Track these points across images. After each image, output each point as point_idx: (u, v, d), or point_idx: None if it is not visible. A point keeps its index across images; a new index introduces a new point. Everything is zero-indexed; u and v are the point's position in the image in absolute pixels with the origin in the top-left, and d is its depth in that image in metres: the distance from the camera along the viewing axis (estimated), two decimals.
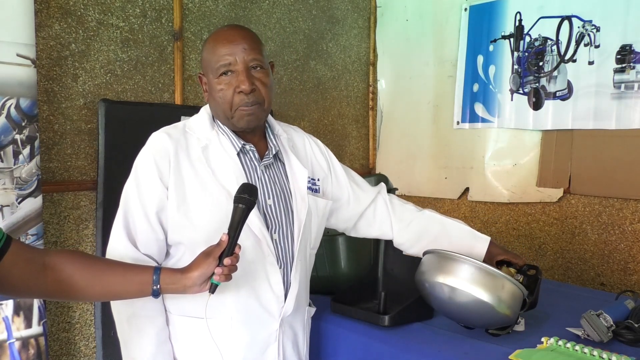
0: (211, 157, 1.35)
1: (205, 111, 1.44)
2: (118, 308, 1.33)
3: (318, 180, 1.53)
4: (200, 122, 1.41)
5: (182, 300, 1.33)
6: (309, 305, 1.55)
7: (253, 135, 1.42)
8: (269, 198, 1.38)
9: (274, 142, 1.44)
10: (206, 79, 1.39)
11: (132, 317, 1.32)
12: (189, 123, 1.42)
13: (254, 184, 1.33)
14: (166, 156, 1.31)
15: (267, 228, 1.35)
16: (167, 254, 1.36)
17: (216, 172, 1.34)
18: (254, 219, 1.29)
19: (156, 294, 1.17)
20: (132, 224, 1.31)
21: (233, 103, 1.33)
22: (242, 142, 1.38)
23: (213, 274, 1.15)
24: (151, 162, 1.31)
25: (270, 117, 1.51)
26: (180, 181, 1.31)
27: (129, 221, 1.31)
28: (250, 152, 1.39)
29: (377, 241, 1.88)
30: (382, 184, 1.71)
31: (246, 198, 1.18)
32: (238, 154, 1.37)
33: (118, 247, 1.31)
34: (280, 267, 1.37)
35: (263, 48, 1.39)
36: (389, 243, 1.88)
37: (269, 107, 1.40)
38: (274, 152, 1.43)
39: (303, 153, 1.54)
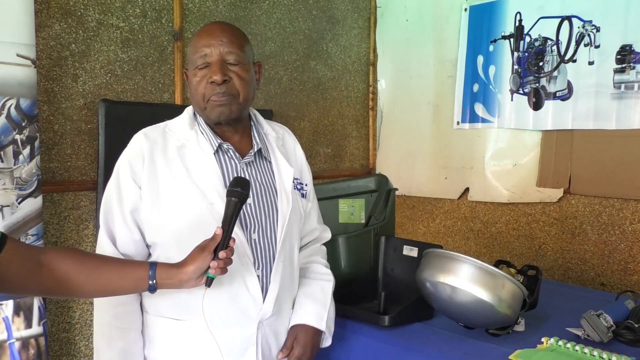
0: (187, 157, 1.34)
1: (187, 112, 1.44)
2: (96, 313, 1.34)
3: (306, 185, 1.52)
4: (181, 122, 1.41)
5: (159, 301, 1.33)
6: None
7: (235, 132, 1.40)
8: (249, 197, 1.35)
9: (257, 140, 1.42)
10: (189, 73, 1.39)
11: (105, 326, 1.32)
12: (170, 123, 1.42)
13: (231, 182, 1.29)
14: (140, 156, 1.32)
15: (245, 228, 1.34)
16: (149, 255, 1.37)
17: (191, 171, 1.33)
18: None
19: (152, 289, 1.17)
20: (112, 224, 1.32)
21: (205, 94, 1.32)
22: (219, 141, 1.37)
23: (209, 267, 1.16)
24: (126, 163, 1.32)
25: (259, 116, 1.50)
26: (154, 181, 1.31)
27: (108, 220, 1.33)
28: (229, 151, 1.38)
29: (377, 241, 1.88)
30: (327, 234, 1.66)
31: (239, 191, 1.18)
32: (216, 153, 1.36)
33: (103, 247, 1.32)
34: (257, 268, 1.34)
35: (246, 45, 1.37)
36: (389, 243, 1.88)
37: (246, 102, 1.37)
38: (255, 150, 1.41)
39: (293, 156, 1.53)
